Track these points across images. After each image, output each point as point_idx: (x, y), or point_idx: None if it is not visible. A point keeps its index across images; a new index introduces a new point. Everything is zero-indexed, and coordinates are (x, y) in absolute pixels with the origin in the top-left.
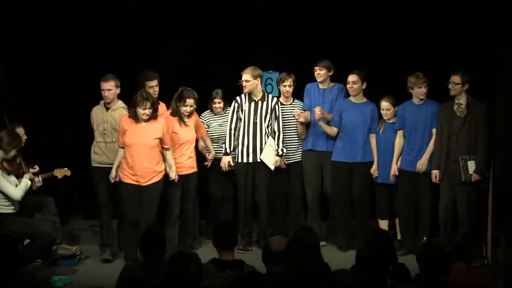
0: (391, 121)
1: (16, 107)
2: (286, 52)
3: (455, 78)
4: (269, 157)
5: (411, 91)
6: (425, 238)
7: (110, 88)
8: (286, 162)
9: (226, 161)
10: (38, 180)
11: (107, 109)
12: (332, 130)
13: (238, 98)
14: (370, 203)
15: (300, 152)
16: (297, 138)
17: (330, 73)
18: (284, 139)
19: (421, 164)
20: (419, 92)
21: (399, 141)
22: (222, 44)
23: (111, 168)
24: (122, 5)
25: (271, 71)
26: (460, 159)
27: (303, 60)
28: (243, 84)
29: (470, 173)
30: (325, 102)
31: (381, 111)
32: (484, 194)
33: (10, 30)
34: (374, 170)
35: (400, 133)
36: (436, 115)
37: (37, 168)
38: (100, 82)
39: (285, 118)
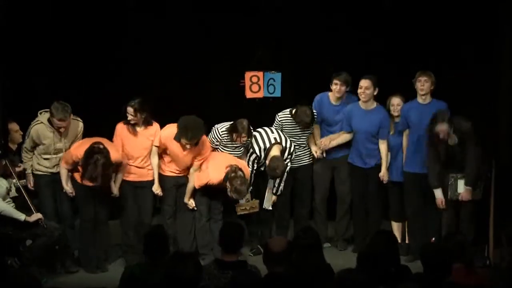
0: (398, 119)
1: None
2: (287, 52)
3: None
4: (267, 197)
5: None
6: (433, 239)
7: (66, 125)
8: (294, 166)
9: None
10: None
11: (59, 132)
12: (346, 138)
13: (257, 150)
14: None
15: (307, 157)
16: (303, 143)
17: (348, 89)
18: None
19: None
20: (417, 86)
21: (405, 141)
22: (223, 44)
23: (53, 174)
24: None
25: (273, 72)
26: (451, 177)
27: (305, 60)
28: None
29: (458, 192)
30: (340, 121)
31: (391, 107)
32: (486, 195)
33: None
34: (382, 174)
35: (406, 133)
36: None
37: (21, 167)
38: (52, 117)
39: (292, 124)
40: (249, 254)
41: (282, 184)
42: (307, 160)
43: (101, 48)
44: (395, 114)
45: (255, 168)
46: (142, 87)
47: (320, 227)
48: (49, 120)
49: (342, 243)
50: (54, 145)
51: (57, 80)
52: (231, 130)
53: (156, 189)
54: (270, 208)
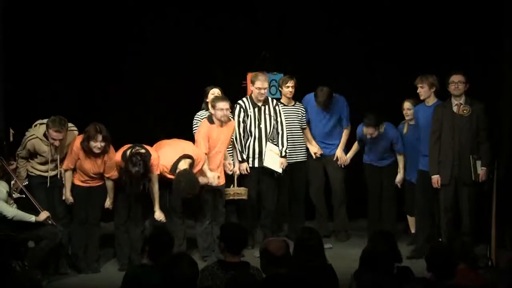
0: (412, 122)
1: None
2: (289, 54)
3: (460, 77)
4: (274, 162)
5: None
6: (440, 239)
7: (62, 137)
8: (289, 162)
9: (244, 167)
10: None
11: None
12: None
13: (241, 102)
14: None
15: (303, 152)
16: (299, 139)
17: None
18: (287, 140)
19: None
20: (418, 91)
21: None
22: (224, 45)
23: (46, 177)
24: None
25: (274, 73)
26: (471, 158)
27: (306, 62)
28: (261, 92)
29: (478, 172)
30: (325, 118)
31: (403, 112)
32: (488, 195)
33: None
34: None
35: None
36: None
37: (14, 165)
38: (48, 128)
39: (287, 120)
40: (256, 256)
41: (285, 142)
42: (303, 157)
43: (101, 49)
44: (406, 117)
45: (241, 127)
46: (143, 87)
47: (322, 223)
48: (44, 134)
49: (344, 234)
50: (52, 157)
51: (57, 81)
52: (205, 99)
53: (159, 216)
54: (280, 171)
